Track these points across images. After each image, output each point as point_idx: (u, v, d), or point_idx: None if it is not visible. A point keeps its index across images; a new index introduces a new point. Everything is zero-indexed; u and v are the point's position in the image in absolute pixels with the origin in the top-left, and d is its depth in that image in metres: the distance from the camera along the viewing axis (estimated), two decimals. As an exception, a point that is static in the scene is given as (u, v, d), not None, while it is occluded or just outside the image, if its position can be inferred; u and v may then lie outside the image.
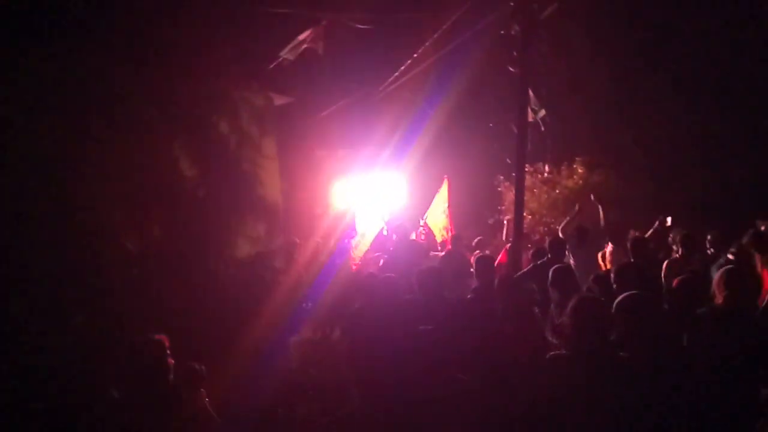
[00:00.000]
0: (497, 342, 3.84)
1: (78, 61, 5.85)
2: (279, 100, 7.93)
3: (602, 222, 7.86)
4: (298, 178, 12.04)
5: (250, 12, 7.17)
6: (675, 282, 4.26)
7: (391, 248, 9.57)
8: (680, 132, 12.31)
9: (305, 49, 7.95)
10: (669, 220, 6.73)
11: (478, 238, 10.57)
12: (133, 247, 6.11)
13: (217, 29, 7.19)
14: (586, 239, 7.59)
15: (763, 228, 6.88)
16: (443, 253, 9.16)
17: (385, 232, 11.43)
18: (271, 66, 7.71)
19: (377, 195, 12.93)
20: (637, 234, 6.86)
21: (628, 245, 6.27)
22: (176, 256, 6.35)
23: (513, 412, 3.15)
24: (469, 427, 3.20)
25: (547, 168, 12.84)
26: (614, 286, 4.64)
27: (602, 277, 5.11)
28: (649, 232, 6.98)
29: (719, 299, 3.88)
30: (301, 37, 7.93)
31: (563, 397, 3.02)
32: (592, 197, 8.58)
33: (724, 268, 3.99)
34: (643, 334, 3.30)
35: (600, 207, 7.82)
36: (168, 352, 3.62)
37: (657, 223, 6.82)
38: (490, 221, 13.64)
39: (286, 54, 7.97)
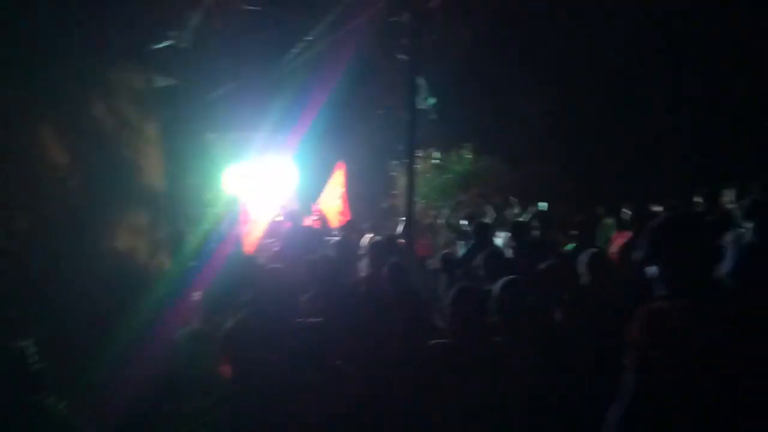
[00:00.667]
0: (382, 329, 3.91)
1: None
2: (162, 82, 7.50)
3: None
4: (187, 163, 11.53)
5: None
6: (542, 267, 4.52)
7: (285, 235, 9.47)
8: (560, 120, 13.09)
9: (192, 29, 7.57)
10: (544, 205, 7.14)
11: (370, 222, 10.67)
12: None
13: (89, 3, 6.67)
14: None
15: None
16: (337, 239, 9.18)
17: (279, 218, 11.28)
18: (153, 46, 7.27)
19: (271, 180, 12.70)
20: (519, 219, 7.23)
21: (510, 230, 6.60)
22: (46, 251, 5.88)
23: (391, 400, 3.22)
24: (347, 415, 3.24)
25: (435, 154, 13.19)
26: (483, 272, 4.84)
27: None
28: (530, 217, 7.37)
29: (586, 280, 4.19)
30: (188, 16, 7.55)
31: (443, 384, 3.14)
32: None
33: (589, 251, 4.30)
34: (519, 318, 3.51)
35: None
36: (31, 359, 3.33)
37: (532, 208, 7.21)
38: (384, 205, 13.84)
39: (172, 34, 7.55)
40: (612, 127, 13.60)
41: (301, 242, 8.32)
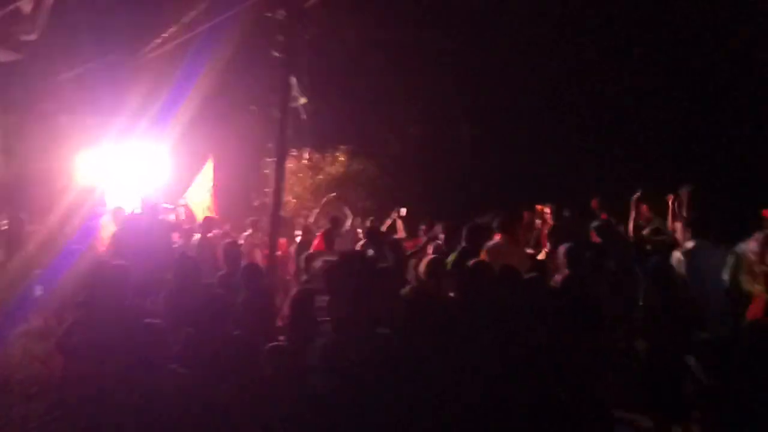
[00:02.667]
0: (228, 333, 3.81)
1: None
2: (4, 57, 6.78)
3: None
4: (34, 147, 10.53)
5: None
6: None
7: (139, 229, 8.95)
8: (433, 128, 13.58)
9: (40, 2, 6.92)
10: (403, 211, 7.33)
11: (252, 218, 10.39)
12: None
13: None
14: (339, 227, 8.06)
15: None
16: (198, 238, 8.84)
17: (139, 211, 10.65)
18: (-7, 16, 6.56)
19: (133, 169, 11.96)
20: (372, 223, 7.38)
21: (363, 233, 6.74)
22: None
23: (231, 403, 3.15)
24: (187, 421, 3.12)
25: (307, 154, 13.15)
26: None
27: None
28: (387, 222, 7.53)
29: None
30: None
31: (281, 386, 3.13)
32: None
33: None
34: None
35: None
36: None
37: (394, 213, 7.38)
38: (256, 203, 13.55)
39: (16, 6, 6.85)
40: (484, 136, 14.30)
41: (156, 237, 7.89)
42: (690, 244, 5.42)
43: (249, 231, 9.53)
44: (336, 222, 8.17)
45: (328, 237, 7.60)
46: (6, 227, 7.67)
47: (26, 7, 7.09)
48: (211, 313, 3.65)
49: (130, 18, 9.97)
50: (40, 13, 6.50)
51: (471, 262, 4.48)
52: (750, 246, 4.63)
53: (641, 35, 12.50)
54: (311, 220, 9.55)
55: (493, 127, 14.09)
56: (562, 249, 5.38)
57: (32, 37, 6.61)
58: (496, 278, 4.22)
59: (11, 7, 7.06)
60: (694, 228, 5.52)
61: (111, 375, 3.64)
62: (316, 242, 7.90)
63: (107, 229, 9.94)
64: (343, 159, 12.65)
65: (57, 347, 4.28)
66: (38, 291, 7.73)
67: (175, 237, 9.17)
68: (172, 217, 11.03)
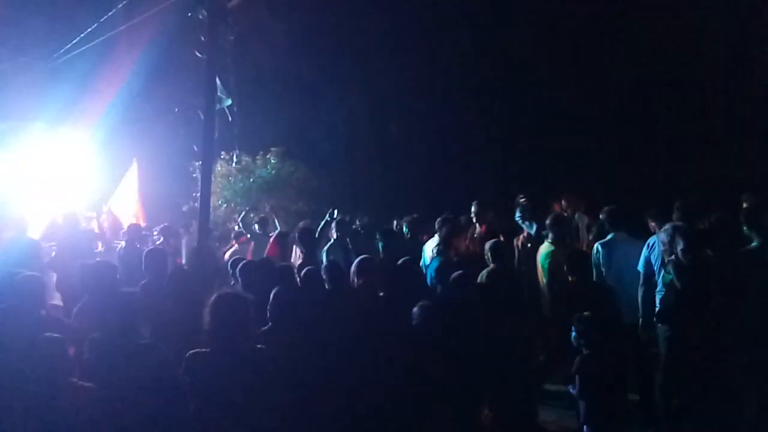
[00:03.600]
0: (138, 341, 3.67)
1: None
2: None
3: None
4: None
5: None
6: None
7: (60, 239, 8.55)
8: (362, 128, 13.63)
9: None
10: (336, 212, 7.33)
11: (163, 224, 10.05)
12: None
13: None
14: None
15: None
16: (122, 244, 8.50)
17: (59, 220, 10.14)
18: None
19: (52, 177, 11.39)
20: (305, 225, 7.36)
21: (297, 235, 6.71)
22: None
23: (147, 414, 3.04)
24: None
25: (235, 157, 12.90)
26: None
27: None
28: (322, 224, 7.50)
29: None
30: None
31: (205, 394, 3.05)
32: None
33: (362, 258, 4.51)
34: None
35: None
36: None
37: (327, 214, 7.36)
38: (185, 208, 13.16)
39: None
40: (415, 136, 14.47)
41: (77, 247, 7.57)
42: (609, 236, 5.70)
43: (161, 239, 9.23)
44: (265, 224, 8.11)
45: (282, 243, 7.54)
46: None
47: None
48: (122, 321, 3.52)
49: (44, 18, 9.49)
50: None
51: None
52: (661, 237, 4.92)
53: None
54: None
55: (422, 124, 14.29)
56: (487, 245, 5.57)
57: None
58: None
59: None
60: (611, 221, 5.78)
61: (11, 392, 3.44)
62: (269, 249, 7.79)
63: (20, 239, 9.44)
64: (274, 161, 12.46)
65: None
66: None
67: (98, 246, 8.80)
68: (93, 226, 10.59)
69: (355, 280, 4.41)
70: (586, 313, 4.10)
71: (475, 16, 13.70)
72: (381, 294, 4.35)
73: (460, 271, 4.58)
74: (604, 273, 5.47)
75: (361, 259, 4.49)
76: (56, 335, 3.04)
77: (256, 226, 8.69)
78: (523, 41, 13.16)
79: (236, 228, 9.80)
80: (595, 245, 5.68)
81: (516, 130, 13.61)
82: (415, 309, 3.80)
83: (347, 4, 13.47)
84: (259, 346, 3.24)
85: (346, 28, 13.61)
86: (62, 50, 10.22)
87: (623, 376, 4.40)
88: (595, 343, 4.03)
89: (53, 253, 8.53)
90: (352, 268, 4.49)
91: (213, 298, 3.19)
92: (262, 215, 9.17)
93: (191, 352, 3.14)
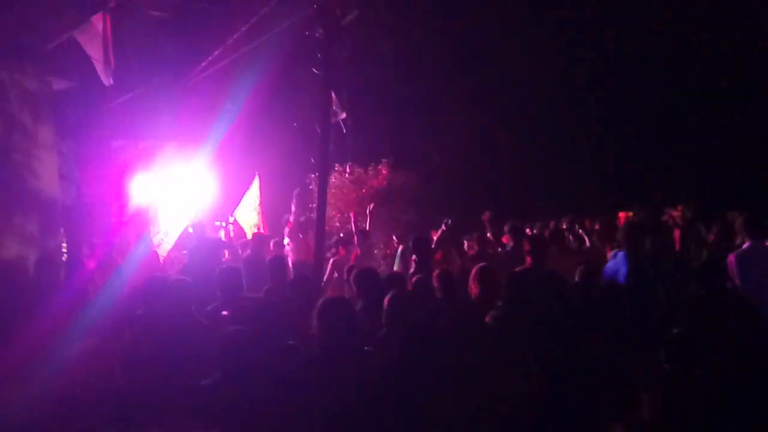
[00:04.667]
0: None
1: None
2: (59, 85, 7.15)
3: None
4: (91, 172, 11.01)
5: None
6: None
7: (190, 248, 9.23)
8: (471, 138, 13.57)
9: (92, 31, 7.26)
10: (450, 221, 7.33)
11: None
12: None
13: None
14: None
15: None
16: (247, 253, 9.04)
17: (190, 230, 10.97)
18: (50, 46, 6.92)
19: (184, 190, 12.36)
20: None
21: (411, 244, 6.75)
22: None
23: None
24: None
25: (348, 168, 13.27)
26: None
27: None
28: (438, 234, 7.53)
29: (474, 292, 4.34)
30: (87, 18, 7.24)
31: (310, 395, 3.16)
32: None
33: (479, 266, 4.46)
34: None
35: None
36: None
37: (443, 225, 7.38)
38: (302, 219, 13.73)
39: (70, 35, 7.21)
40: (530, 145, 14.22)
41: (207, 254, 8.13)
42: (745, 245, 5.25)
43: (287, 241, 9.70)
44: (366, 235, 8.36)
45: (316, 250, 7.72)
46: (64, 248, 7.99)
47: (75, 37, 7.43)
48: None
49: (175, 42, 10.35)
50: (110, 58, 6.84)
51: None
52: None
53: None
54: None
55: (531, 133, 14.02)
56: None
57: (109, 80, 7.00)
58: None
59: (61, 40, 7.41)
60: (748, 229, 5.32)
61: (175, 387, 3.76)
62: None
63: (162, 247, 10.31)
64: (385, 172, 12.71)
65: (120, 362, 4.44)
66: (96, 309, 7.97)
67: (225, 254, 9.41)
68: (221, 235, 11.35)
69: (473, 288, 4.38)
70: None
71: (590, 24, 13.29)
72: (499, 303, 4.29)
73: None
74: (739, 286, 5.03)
75: (481, 267, 4.44)
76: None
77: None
78: (637, 48, 12.60)
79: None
80: (731, 255, 5.24)
81: (625, 139, 13.05)
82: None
83: (454, 19, 13.55)
84: (366, 348, 3.31)
85: (454, 41, 13.68)
86: (192, 72, 11.08)
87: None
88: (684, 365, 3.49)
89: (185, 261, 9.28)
90: (471, 275, 4.46)
91: (319, 303, 3.32)
92: (364, 227, 9.41)
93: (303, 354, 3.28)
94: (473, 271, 4.46)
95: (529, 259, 4.82)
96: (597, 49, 13.36)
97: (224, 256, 9.14)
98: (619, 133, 13.30)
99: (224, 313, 4.65)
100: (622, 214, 8.17)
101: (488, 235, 8.02)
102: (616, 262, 5.28)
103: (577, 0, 13.27)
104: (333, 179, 12.99)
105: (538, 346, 3.62)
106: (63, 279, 7.79)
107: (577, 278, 4.84)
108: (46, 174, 6.79)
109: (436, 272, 5.16)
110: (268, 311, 4.58)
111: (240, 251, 9.55)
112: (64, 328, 6.96)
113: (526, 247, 4.89)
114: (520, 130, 14.42)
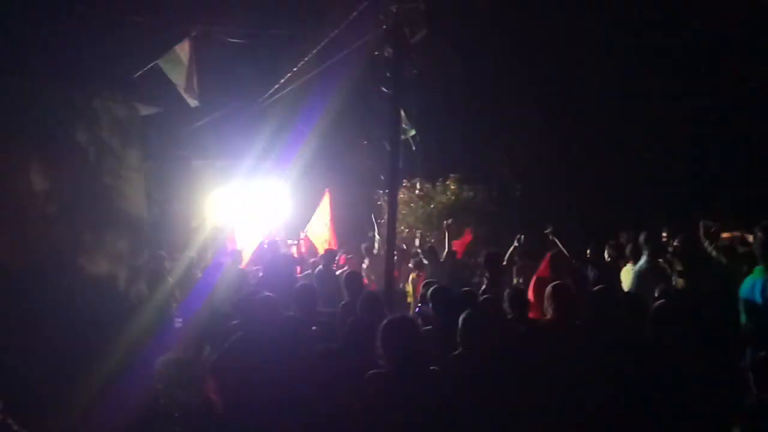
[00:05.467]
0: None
1: None
2: (146, 110, 7.62)
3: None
4: (172, 190, 11.62)
5: (114, 20, 6.87)
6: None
7: (265, 263, 9.49)
8: (544, 153, 13.33)
9: (175, 58, 7.72)
10: (522, 238, 7.23)
11: (365, 245, 10.76)
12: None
13: (76, 33, 6.83)
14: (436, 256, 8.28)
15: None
16: (319, 268, 9.22)
17: (265, 246, 11.33)
18: (137, 75, 7.41)
19: (258, 207, 12.80)
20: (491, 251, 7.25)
21: (483, 260, 6.67)
22: (24, 276, 5.91)
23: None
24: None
25: (418, 184, 13.34)
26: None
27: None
28: (510, 250, 7.43)
29: (549, 313, 4.26)
30: (171, 46, 7.71)
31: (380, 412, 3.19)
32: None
33: (554, 284, 4.38)
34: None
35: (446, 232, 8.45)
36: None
37: (516, 241, 7.27)
38: (371, 234, 13.91)
39: (155, 63, 7.70)
40: (599, 157, 13.83)
41: (280, 270, 8.34)
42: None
43: (366, 261, 9.84)
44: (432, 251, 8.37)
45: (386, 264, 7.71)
46: (149, 264, 8.40)
47: (160, 65, 7.92)
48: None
49: (251, 67, 10.79)
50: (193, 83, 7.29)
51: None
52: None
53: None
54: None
55: (605, 143, 13.62)
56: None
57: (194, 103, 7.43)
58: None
59: (147, 68, 7.88)
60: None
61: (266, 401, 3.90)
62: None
63: (237, 263, 10.68)
64: (453, 187, 12.72)
65: (211, 373, 4.63)
66: (177, 323, 8.33)
67: (297, 270, 9.63)
68: (293, 251, 11.65)
69: (549, 307, 4.30)
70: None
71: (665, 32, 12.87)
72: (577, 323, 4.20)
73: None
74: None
75: (555, 285, 4.35)
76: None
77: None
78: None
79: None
80: None
81: (711, 148, 12.47)
82: None
83: (522, 33, 13.44)
84: (432, 368, 3.32)
85: (522, 56, 13.55)
86: (266, 94, 11.50)
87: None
88: None
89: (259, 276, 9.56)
90: (546, 294, 4.38)
91: (383, 322, 3.34)
92: (431, 244, 9.40)
93: (370, 372, 3.32)
94: (547, 289, 4.38)
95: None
96: (670, 56, 12.87)
97: (297, 272, 9.35)
98: (701, 141, 12.67)
99: (313, 328, 4.75)
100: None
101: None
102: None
103: (656, 8, 12.83)
104: (401, 195, 13.11)
105: (620, 369, 3.52)
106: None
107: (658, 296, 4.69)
108: (134, 195, 7.22)
109: (507, 291, 5.09)
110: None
111: (311, 266, 9.77)
112: (150, 340, 7.34)
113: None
114: (594, 140, 14.05)
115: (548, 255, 6.32)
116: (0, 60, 6.37)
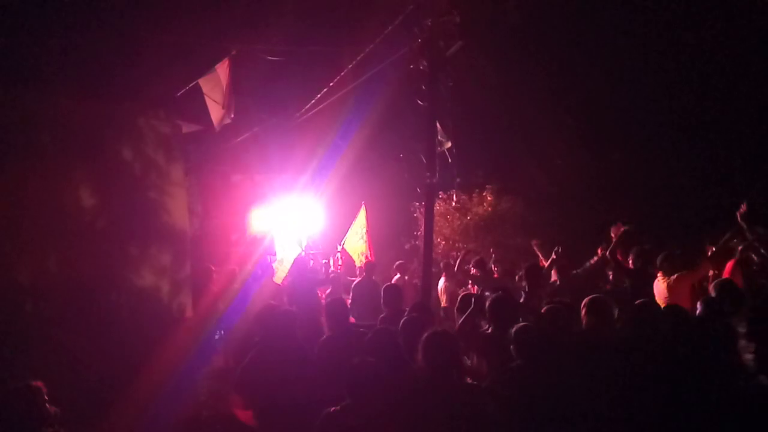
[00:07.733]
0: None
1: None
2: (188, 128, 7.85)
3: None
4: (212, 205, 11.90)
5: (156, 39, 7.13)
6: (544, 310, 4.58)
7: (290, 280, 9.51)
8: (580, 163, 13.14)
9: (215, 77, 7.95)
10: (560, 249, 7.13)
11: (399, 261, 10.75)
12: (26, 282, 5.85)
13: (121, 53, 7.10)
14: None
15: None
16: (357, 280, 9.27)
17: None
18: (179, 93, 7.65)
19: (296, 220, 12.98)
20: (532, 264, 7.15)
21: (524, 273, 6.59)
22: (74, 290, 6.12)
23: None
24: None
25: (454, 196, 13.30)
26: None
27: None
28: (548, 262, 7.33)
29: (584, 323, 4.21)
30: (211, 65, 7.94)
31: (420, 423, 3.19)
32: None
33: (591, 297, 4.32)
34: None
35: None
36: (45, 398, 3.47)
37: (553, 253, 7.17)
38: (407, 246, 13.93)
39: (197, 82, 7.93)
40: (636, 165, 13.57)
41: (306, 289, 8.34)
42: None
43: (397, 275, 9.83)
44: (482, 264, 8.29)
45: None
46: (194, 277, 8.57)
47: (201, 83, 8.15)
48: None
49: (288, 83, 10.99)
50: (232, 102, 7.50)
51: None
52: None
53: None
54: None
55: (644, 153, 13.36)
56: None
57: (228, 121, 7.63)
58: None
59: (188, 87, 8.12)
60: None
61: (285, 412, 3.95)
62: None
63: (277, 275, 10.81)
64: (490, 198, 12.65)
65: (234, 386, 4.71)
66: (218, 334, 8.47)
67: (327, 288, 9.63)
68: (330, 263, 11.73)
69: (584, 319, 4.25)
70: None
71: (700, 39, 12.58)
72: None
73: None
74: None
75: (592, 298, 4.30)
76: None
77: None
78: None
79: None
80: None
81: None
82: None
83: (557, 42, 13.34)
84: (468, 380, 3.31)
85: (558, 65, 13.44)
86: (303, 109, 11.70)
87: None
88: None
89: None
90: (582, 306, 4.33)
91: (424, 336, 3.35)
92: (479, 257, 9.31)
93: (408, 385, 3.33)
94: (584, 301, 4.33)
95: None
96: (710, 61, 12.56)
97: (323, 292, 9.34)
98: (746, 149, 12.30)
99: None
100: None
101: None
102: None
103: (694, 17, 12.58)
104: (437, 206, 13.11)
105: (664, 383, 3.45)
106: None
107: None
108: (177, 209, 7.41)
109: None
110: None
111: (349, 278, 9.82)
112: (192, 351, 7.48)
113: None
114: (632, 149, 13.80)
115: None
116: (51, 80, 6.67)
